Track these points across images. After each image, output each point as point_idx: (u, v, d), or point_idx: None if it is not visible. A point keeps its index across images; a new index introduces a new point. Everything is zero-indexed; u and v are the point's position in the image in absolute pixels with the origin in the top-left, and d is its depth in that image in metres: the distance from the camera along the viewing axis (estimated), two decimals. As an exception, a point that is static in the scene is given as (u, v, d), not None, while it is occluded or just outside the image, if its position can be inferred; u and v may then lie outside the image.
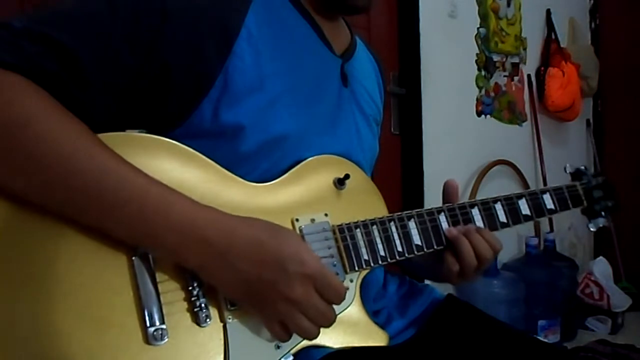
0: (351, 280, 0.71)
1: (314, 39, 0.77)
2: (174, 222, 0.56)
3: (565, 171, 0.98)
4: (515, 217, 0.83)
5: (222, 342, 0.60)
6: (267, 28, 0.70)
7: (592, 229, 0.97)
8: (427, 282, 1.01)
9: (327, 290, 0.60)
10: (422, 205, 2.15)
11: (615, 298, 2.55)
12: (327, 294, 0.60)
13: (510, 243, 2.55)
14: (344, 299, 0.62)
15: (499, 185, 2.47)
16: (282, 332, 0.60)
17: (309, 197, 0.72)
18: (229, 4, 0.67)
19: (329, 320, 0.61)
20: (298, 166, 0.72)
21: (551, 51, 2.81)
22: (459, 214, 0.80)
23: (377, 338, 0.72)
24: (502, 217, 0.82)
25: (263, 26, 0.70)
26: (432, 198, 2.10)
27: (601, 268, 2.64)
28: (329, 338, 0.67)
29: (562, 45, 2.85)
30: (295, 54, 0.73)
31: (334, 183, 0.74)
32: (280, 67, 0.70)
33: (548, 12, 2.85)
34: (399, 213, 0.76)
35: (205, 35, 0.64)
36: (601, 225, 0.96)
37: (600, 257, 2.74)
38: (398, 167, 2.12)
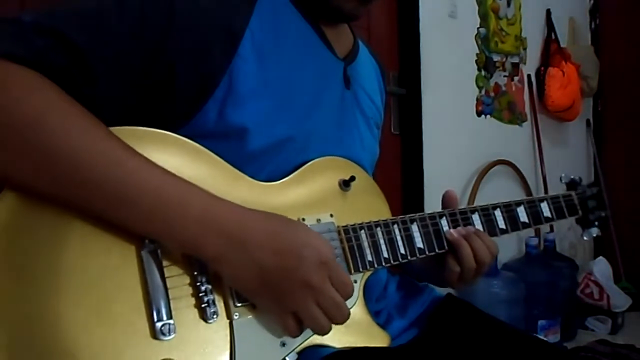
0: (355, 281, 0.71)
1: (317, 41, 0.77)
2: (193, 213, 0.56)
3: (561, 181, 1.00)
4: (513, 224, 0.85)
5: (228, 338, 0.60)
6: (271, 31, 0.70)
7: (585, 238, 0.99)
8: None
9: (339, 282, 0.60)
10: (422, 206, 2.16)
11: (615, 298, 2.55)
12: (339, 285, 0.60)
13: (510, 243, 2.55)
14: (351, 295, 0.62)
15: (498, 185, 2.47)
16: (294, 325, 0.60)
17: (315, 198, 0.72)
18: (234, 7, 0.68)
19: (342, 315, 0.61)
20: (304, 167, 0.72)
21: (551, 51, 2.81)
22: (460, 219, 0.81)
23: (379, 339, 0.73)
24: (501, 224, 0.84)
25: (267, 29, 0.70)
26: (432, 198, 2.10)
27: (601, 268, 2.64)
28: (332, 337, 0.67)
29: (562, 45, 2.85)
30: (298, 57, 0.73)
31: (340, 184, 0.75)
32: (283, 70, 0.70)
33: (548, 12, 2.86)
34: (402, 216, 0.77)
35: (211, 37, 0.64)
36: (594, 235, 0.98)
37: (600, 257, 2.74)
38: (398, 167, 2.12)
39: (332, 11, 0.75)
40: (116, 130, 0.58)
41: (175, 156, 0.63)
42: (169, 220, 0.56)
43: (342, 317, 0.61)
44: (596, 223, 0.97)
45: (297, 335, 0.61)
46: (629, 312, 2.60)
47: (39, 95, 0.54)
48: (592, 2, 3.25)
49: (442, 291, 0.91)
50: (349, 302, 0.65)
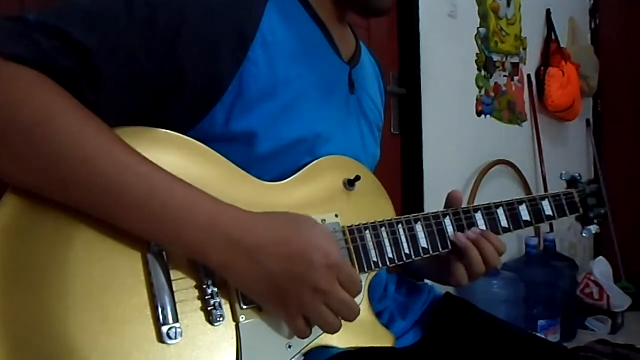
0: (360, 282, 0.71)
1: (325, 44, 0.77)
2: (199, 220, 0.55)
3: (561, 178, 0.99)
4: (516, 222, 0.85)
5: (235, 341, 0.60)
6: (281, 33, 0.70)
7: (585, 235, 0.98)
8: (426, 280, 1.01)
9: (348, 282, 0.60)
10: (422, 206, 2.15)
11: (615, 298, 2.55)
12: (348, 285, 0.60)
13: (510, 243, 2.55)
14: (360, 292, 0.61)
15: (499, 185, 2.47)
16: (304, 327, 0.59)
17: (320, 198, 0.72)
18: (245, 9, 0.67)
19: (353, 313, 0.60)
20: (309, 166, 0.72)
21: (551, 51, 2.81)
22: (464, 219, 0.80)
23: (384, 339, 0.73)
24: (504, 222, 0.84)
25: (277, 31, 0.69)
26: (432, 198, 2.10)
27: (601, 268, 2.64)
28: (337, 338, 0.67)
29: (562, 45, 2.85)
30: (307, 60, 0.73)
31: (344, 184, 0.74)
32: (292, 73, 0.70)
33: (548, 12, 2.85)
34: (407, 216, 0.76)
35: (221, 40, 0.63)
36: (594, 233, 0.98)
37: (600, 257, 2.74)
38: (398, 167, 2.12)
39: (372, 9, 0.77)
40: (124, 130, 0.58)
41: (180, 155, 0.62)
42: (176, 226, 0.55)
43: (353, 315, 0.60)
44: (596, 221, 0.97)
45: (308, 337, 0.61)
46: (629, 312, 2.60)
47: (44, 98, 0.53)
48: (592, 2, 3.26)
49: (440, 289, 0.91)
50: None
